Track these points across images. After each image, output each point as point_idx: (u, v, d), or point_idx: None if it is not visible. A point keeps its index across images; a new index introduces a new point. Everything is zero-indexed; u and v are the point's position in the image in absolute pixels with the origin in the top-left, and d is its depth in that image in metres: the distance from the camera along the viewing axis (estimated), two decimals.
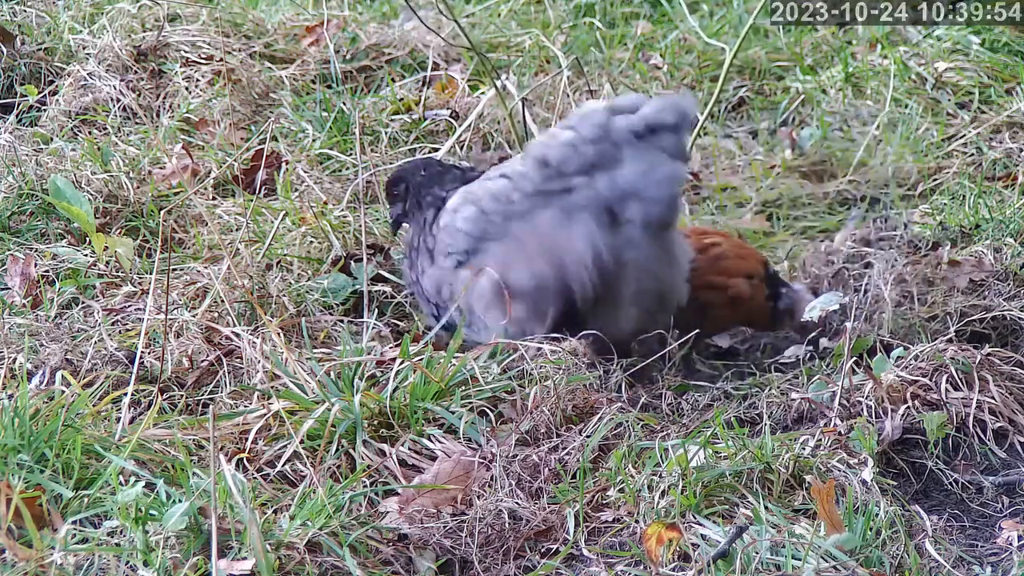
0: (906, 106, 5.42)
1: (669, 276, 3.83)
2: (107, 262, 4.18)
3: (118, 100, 5.16)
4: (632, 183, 3.72)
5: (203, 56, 5.41)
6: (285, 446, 3.32)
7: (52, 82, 5.37)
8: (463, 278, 3.83)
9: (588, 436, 3.38)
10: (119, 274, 4.14)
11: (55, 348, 3.67)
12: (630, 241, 3.73)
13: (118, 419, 3.30)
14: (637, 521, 3.11)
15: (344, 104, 5.17)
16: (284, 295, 4.07)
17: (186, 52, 5.41)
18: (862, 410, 3.48)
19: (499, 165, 4.01)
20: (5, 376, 3.47)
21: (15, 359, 3.60)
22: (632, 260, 3.74)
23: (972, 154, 5.15)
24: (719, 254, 4.08)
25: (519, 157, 3.93)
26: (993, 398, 3.52)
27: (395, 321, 4.22)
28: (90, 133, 4.99)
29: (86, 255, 4.22)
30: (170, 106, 5.22)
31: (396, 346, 3.72)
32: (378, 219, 4.59)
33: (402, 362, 3.53)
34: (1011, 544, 3.16)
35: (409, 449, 3.38)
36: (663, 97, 3.81)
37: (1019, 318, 3.84)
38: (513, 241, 3.79)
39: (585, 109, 3.84)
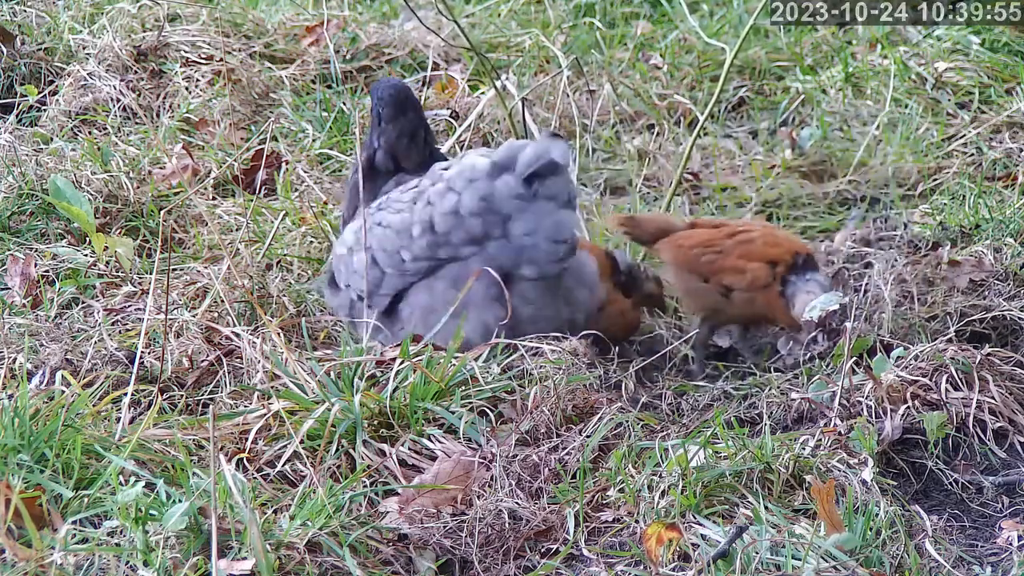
0: (906, 106, 5.42)
1: (568, 308, 3.84)
2: (107, 262, 4.18)
3: (118, 100, 5.16)
4: (523, 244, 3.72)
5: (203, 56, 5.41)
6: (285, 446, 3.32)
7: (52, 82, 5.37)
8: (368, 315, 3.83)
9: (588, 436, 3.38)
10: (119, 274, 4.15)
11: (55, 348, 3.67)
12: (524, 297, 3.76)
13: (118, 419, 3.30)
14: (637, 521, 3.11)
15: (344, 104, 5.18)
16: (284, 295, 4.07)
17: (186, 52, 5.42)
18: (862, 410, 3.48)
19: (394, 193, 3.92)
20: (5, 376, 3.47)
21: (15, 359, 3.60)
22: (527, 314, 3.77)
23: (972, 154, 5.15)
24: (748, 239, 4.06)
25: (409, 194, 3.85)
26: (993, 398, 3.52)
27: None
28: (90, 133, 4.99)
29: (86, 255, 4.22)
30: (170, 106, 5.22)
31: (396, 346, 3.72)
32: None
33: (402, 362, 3.53)
34: (1011, 544, 3.16)
35: (409, 449, 3.38)
36: (536, 143, 3.77)
37: (1019, 318, 3.84)
38: (417, 318, 3.79)
39: (468, 168, 3.76)
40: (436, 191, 3.78)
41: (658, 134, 5.37)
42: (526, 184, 3.72)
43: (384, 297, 3.84)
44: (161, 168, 4.72)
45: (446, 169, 3.82)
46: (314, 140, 4.98)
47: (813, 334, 4.02)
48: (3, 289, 4.09)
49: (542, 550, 3.14)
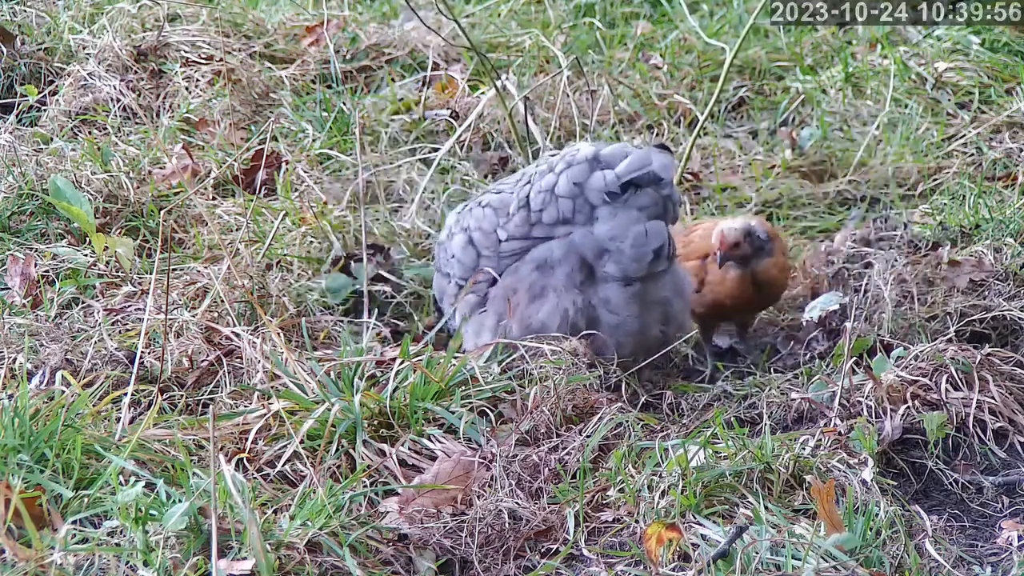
0: (906, 106, 5.42)
1: (661, 322, 3.84)
2: (107, 262, 4.18)
3: (118, 100, 5.16)
4: (606, 240, 3.73)
5: (203, 56, 5.41)
6: (285, 446, 3.32)
7: (52, 82, 5.37)
8: (466, 302, 3.85)
9: (588, 436, 3.38)
10: (119, 274, 4.14)
11: (55, 348, 3.67)
12: (606, 302, 3.75)
13: (118, 419, 3.30)
14: (637, 521, 3.11)
15: (344, 104, 5.17)
16: (284, 295, 4.07)
17: (186, 52, 5.41)
18: (862, 410, 3.48)
19: (499, 181, 4.04)
20: (5, 376, 3.47)
21: (15, 359, 3.60)
22: (607, 321, 3.75)
23: (972, 154, 5.15)
24: (690, 240, 4.13)
25: (514, 176, 3.94)
26: (993, 398, 3.52)
27: (395, 321, 4.22)
28: (90, 133, 4.99)
29: (86, 255, 4.22)
30: (170, 106, 5.22)
31: (396, 346, 3.72)
32: (378, 219, 4.59)
33: (402, 362, 3.53)
34: (1011, 544, 3.16)
35: (409, 449, 3.38)
36: (638, 151, 3.79)
37: (1019, 318, 3.84)
38: (498, 297, 3.82)
39: (570, 153, 3.81)
40: (538, 172, 3.84)
41: (658, 134, 5.37)
42: (622, 188, 3.72)
43: (481, 283, 3.85)
44: (161, 168, 4.72)
45: (554, 155, 3.88)
46: (314, 140, 4.98)
47: (813, 334, 4.02)
48: (3, 289, 4.09)
49: (542, 550, 3.14)
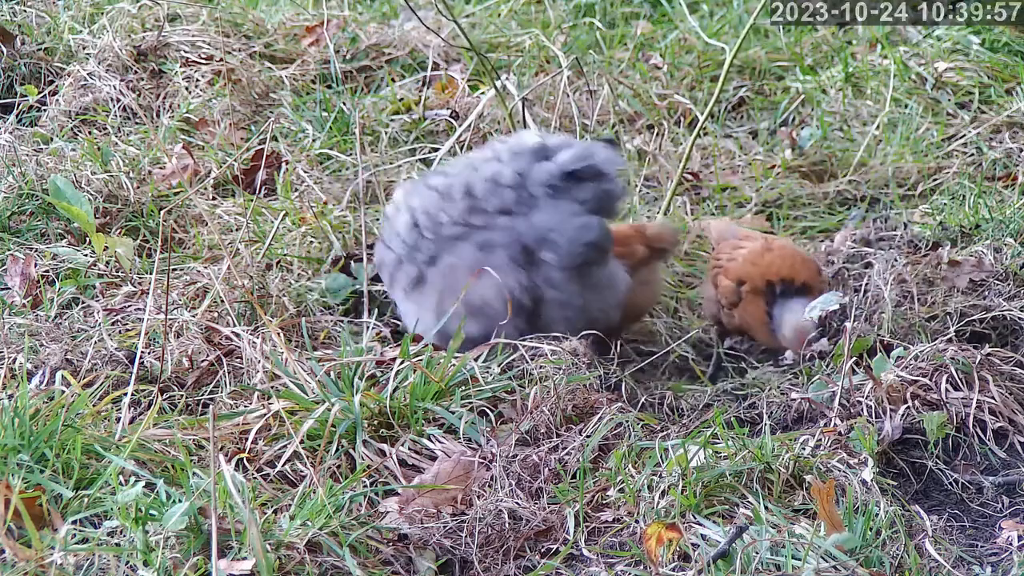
0: (906, 106, 5.42)
1: (597, 305, 3.85)
2: (107, 262, 4.18)
3: (118, 100, 5.16)
4: (545, 231, 3.74)
5: (203, 56, 5.41)
6: (285, 446, 3.32)
7: (52, 82, 5.37)
8: (405, 272, 3.86)
9: (588, 436, 3.38)
10: (119, 274, 4.14)
11: (55, 348, 3.67)
12: (548, 280, 3.76)
13: (118, 419, 3.30)
14: (637, 521, 3.11)
15: (344, 104, 5.17)
16: (284, 295, 4.07)
17: (186, 52, 5.41)
18: (862, 410, 3.48)
19: (450, 163, 4.03)
20: (5, 376, 3.47)
21: (15, 359, 3.60)
22: (552, 298, 3.77)
23: (972, 154, 5.15)
24: (734, 256, 4.10)
25: (461, 163, 3.95)
26: (993, 398, 3.52)
27: (395, 321, 4.22)
28: (90, 133, 4.99)
29: (86, 255, 4.22)
30: (170, 106, 5.22)
31: (396, 346, 3.72)
32: (378, 219, 4.59)
33: (402, 362, 3.53)
34: (1011, 544, 3.16)
35: (409, 449, 3.38)
36: (581, 144, 3.81)
37: (1019, 318, 3.84)
38: (438, 276, 3.82)
39: (517, 144, 3.83)
40: (483, 158, 3.84)
41: (658, 134, 5.37)
42: (564, 179, 3.74)
43: (421, 263, 3.84)
44: (161, 168, 4.72)
45: (503, 142, 3.89)
46: (314, 140, 4.98)
47: (814, 333, 4.02)
48: (3, 289, 4.09)
49: (542, 550, 3.14)
